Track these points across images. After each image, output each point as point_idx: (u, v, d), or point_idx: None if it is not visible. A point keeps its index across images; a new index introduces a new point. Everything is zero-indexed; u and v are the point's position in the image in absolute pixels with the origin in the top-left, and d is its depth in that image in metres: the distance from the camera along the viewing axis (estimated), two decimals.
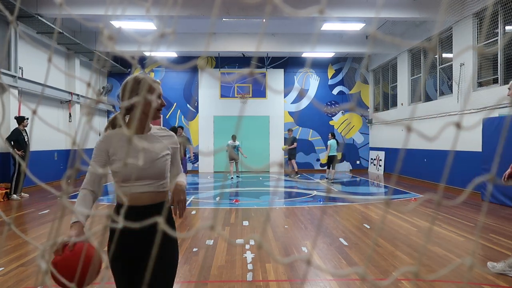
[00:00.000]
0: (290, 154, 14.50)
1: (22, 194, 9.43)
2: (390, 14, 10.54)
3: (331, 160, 13.24)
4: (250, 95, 16.61)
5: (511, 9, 8.36)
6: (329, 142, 13.32)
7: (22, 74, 10.43)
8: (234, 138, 13.71)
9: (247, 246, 4.99)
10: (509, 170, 3.06)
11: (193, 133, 16.63)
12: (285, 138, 15.71)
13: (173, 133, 2.08)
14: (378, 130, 16.26)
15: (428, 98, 12.25)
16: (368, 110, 17.21)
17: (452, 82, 10.60)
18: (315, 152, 17.00)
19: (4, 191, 8.99)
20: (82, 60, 14.18)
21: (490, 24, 8.94)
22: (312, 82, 17.07)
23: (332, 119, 17.07)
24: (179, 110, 16.63)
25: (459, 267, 4.09)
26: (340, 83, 17.15)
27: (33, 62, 10.97)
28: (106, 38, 0.37)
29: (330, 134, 13.59)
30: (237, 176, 14.45)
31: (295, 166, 14.62)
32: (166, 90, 16.50)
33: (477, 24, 9.48)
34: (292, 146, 14.43)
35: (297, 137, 16.45)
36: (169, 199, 1.92)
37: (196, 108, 16.72)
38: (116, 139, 1.89)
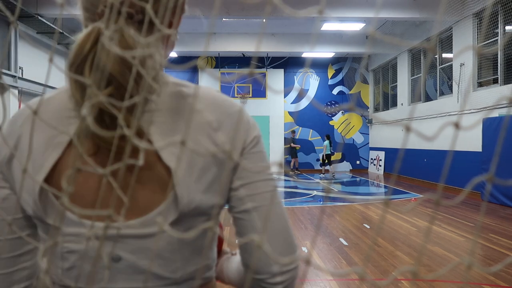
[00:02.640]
0: (294, 152, 15.79)
1: None
2: (390, 14, 10.54)
3: (327, 158, 14.82)
4: (250, 95, 16.61)
5: (511, 9, 8.37)
6: (324, 143, 14.86)
7: (22, 74, 10.43)
8: None
9: None
10: None
11: None
12: (285, 138, 16.12)
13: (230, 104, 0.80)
14: (378, 130, 16.25)
15: (428, 98, 12.25)
16: (368, 110, 17.21)
17: (452, 82, 10.60)
18: (315, 152, 17.00)
19: None
20: None
21: (490, 24, 8.94)
22: (312, 82, 17.07)
23: (332, 119, 17.07)
24: None
25: (459, 267, 4.09)
26: (340, 83, 17.15)
27: (33, 62, 10.97)
28: (106, 38, 0.37)
29: (326, 136, 15.14)
30: None
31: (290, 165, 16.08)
32: None
33: (477, 24, 9.48)
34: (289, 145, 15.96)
35: (296, 137, 16.63)
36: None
37: None
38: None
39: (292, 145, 15.85)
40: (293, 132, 16.14)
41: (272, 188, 0.73)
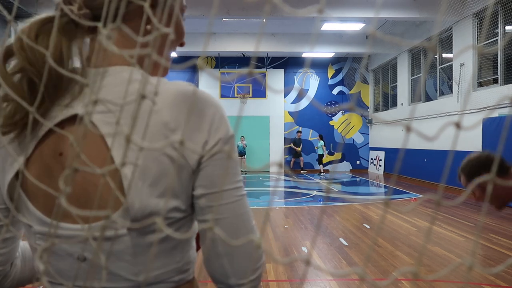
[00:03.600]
0: (294, 152, 16.25)
1: None
2: (390, 14, 10.54)
3: (320, 158, 15.69)
4: (250, 95, 16.61)
5: (511, 9, 8.36)
6: (320, 143, 15.63)
7: None
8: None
9: None
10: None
11: None
12: (285, 138, 16.31)
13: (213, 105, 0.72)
14: (378, 130, 16.25)
15: (428, 98, 12.25)
16: (368, 110, 17.21)
17: (452, 82, 10.59)
18: (315, 152, 16.98)
19: None
20: None
21: (490, 24, 8.94)
22: (312, 82, 17.07)
23: (332, 119, 17.06)
24: None
25: (459, 267, 4.09)
26: (340, 83, 17.15)
27: None
28: (104, 37, 0.37)
29: (319, 136, 15.81)
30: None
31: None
32: None
33: (477, 24, 9.48)
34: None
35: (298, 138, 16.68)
36: None
37: None
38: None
39: (292, 146, 16.09)
40: (299, 132, 16.30)
41: (238, 197, 0.69)
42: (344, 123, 17.12)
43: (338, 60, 16.98)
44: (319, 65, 16.88)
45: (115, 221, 0.63)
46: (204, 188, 0.67)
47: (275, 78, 16.67)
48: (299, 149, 16.04)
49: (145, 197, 0.63)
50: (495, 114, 8.59)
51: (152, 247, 0.67)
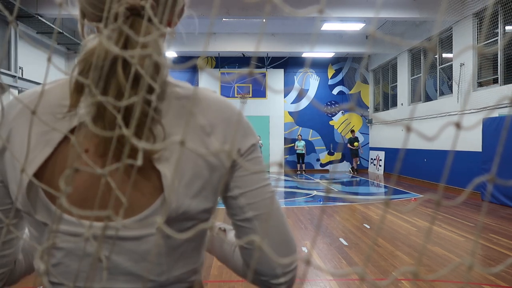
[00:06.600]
0: (353, 152, 15.98)
1: None
2: (390, 14, 10.53)
3: (300, 156, 16.09)
4: (250, 95, 16.61)
5: (511, 9, 8.36)
6: (302, 143, 16.00)
7: (22, 74, 10.43)
8: None
9: None
10: None
11: None
12: (285, 138, 16.23)
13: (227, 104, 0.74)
14: (378, 130, 16.25)
15: (428, 98, 12.25)
16: (368, 110, 17.21)
17: (452, 82, 10.59)
18: (315, 152, 16.99)
19: None
20: None
21: (490, 24, 8.94)
22: (312, 82, 17.07)
23: (332, 119, 17.06)
24: None
25: (459, 267, 4.09)
26: (340, 83, 17.15)
27: (33, 62, 10.97)
28: (105, 37, 0.37)
29: (299, 136, 16.26)
30: None
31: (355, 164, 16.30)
32: None
33: (477, 24, 9.48)
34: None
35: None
36: None
37: None
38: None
39: (349, 146, 15.89)
40: (352, 131, 16.13)
41: (270, 193, 0.74)
42: (344, 123, 17.12)
43: (338, 60, 16.98)
44: (319, 65, 16.88)
45: (155, 221, 0.63)
46: (241, 188, 0.71)
47: (275, 78, 16.67)
48: (357, 144, 15.75)
49: (181, 197, 0.65)
50: (495, 114, 8.59)
51: (178, 247, 0.68)
